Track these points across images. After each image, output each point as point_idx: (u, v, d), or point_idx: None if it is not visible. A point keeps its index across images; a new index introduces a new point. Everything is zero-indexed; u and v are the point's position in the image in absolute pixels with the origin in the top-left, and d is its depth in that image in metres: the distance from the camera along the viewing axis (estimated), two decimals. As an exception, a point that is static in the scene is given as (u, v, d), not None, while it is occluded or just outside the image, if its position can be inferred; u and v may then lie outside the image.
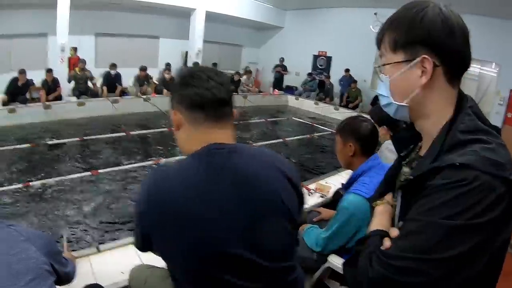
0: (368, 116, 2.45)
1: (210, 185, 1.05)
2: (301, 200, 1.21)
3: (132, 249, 2.34)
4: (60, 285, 1.35)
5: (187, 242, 1.03)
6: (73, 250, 2.36)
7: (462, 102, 0.86)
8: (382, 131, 2.88)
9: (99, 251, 2.30)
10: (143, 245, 1.15)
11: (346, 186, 2.07)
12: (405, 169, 1.00)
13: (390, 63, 0.90)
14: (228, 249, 1.03)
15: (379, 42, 0.96)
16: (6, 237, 1.17)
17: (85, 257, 2.21)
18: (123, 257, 2.26)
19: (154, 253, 1.16)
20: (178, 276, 1.14)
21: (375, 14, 11.93)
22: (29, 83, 8.47)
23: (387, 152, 2.74)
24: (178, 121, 1.16)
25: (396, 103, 0.91)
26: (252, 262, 1.05)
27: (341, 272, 1.84)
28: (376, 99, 11.08)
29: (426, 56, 0.82)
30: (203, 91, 1.10)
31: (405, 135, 1.03)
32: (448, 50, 0.83)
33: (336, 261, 1.84)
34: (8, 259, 1.11)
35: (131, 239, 2.42)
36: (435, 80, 0.84)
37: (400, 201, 0.94)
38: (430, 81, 0.84)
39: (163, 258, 1.12)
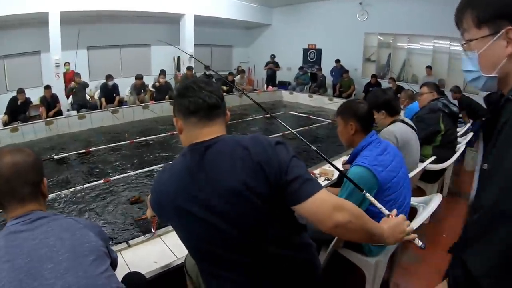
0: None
1: (188, 179, 1.33)
2: (276, 174, 1.29)
3: (160, 241, 2.54)
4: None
5: (179, 228, 1.42)
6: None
7: None
8: (381, 115, 3.07)
9: (129, 246, 2.48)
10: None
11: (350, 161, 2.29)
12: None
13: (477, 38, 0.98)
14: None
15: (458, 20, 1.04)
16: (67, 226, 1.32)
17: (117, 252, 2.37)
18: (153, 249, 2.44)
19: None
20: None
21: (360, 3, 12.18)
22: (27, 102, 8.60)
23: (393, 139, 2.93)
24: (179, 126, 1.42)
25: (486, 75, 1.01)
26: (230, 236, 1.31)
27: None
28: (368, 86, 11.26)
29: (511, 28, 0.92)
30: (196, 99, 1.36)
31: (494, 97, 1.22)
32: None
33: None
34: (72, 243, 1.27)
35: (157, 232, 2.62)
36: None
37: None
38: None
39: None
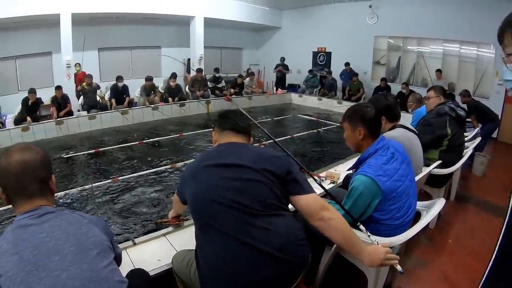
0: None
1: (215, 159, 1.79)
2: (279, 169, 1.73)
3: (165, 240, 2.57)
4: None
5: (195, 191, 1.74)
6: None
7: None
8: (381, 121, 3.08)
9: (134, 244, 2.51)
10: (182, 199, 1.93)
11: (355, 167, 2.30)
12: None
13: None
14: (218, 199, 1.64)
15: (500, 38, 1.22)
16: (73, 221, 1.37)
17: (122, 250, 2.40)
18: (158, 248, 2.47)
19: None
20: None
21: (370, 6, 12.16)
22: (38, 102, 8.72)
23: None
24: (216, 138, 2.03)
25: None
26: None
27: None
28: (378, 89, 11.22)
29: None
30: (232, 121, 1.99)
31: None
32: None
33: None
34: (78, 238, 1.31)
35: (162, 231, 2.66)
36: None
37: None
38: None
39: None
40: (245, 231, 1.58)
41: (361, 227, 1.89)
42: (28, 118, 8.18)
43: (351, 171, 2.50)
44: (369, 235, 1.84)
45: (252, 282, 1.56)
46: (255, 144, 2.26)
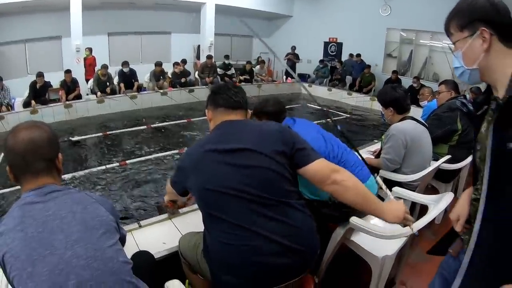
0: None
1: (216, 143, 1.66)
2: (287, 145, 1.65)
3: (171, 223, 2.58)
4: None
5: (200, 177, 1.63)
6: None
7: None
8: (389, 112, 3.11)
9: (140, 226, 2.52)
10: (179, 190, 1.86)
11: None
12: (484, 123, 1.30)
13: (459, 39, 1.25)
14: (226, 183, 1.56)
15: (447, 29, 1.33)
16: (80, 199, 1.36)
17: (128, 232, 2.40)
18: (163, 231, 2.48)
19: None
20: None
21: (384, -2, 12.01)
22: (47, 85, 8.75)
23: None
24: (210, 116, 1.86)
25: (469, 68, 1.24)
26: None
27: (362, 231, 2.03)
28: (389, 82, 11.10)
29: (484, 28, 1.16)
30: (225, 96, 1.80)
31: (481, 99, 1.36)
32: (498, 22, 1.16)
33: (356, 221, 1.96)
34: (84, 217, 1.31)
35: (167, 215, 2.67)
36: (493, 45, 1.17)
37: (492, 136, 1.18)
38: (489, 46, 1.17)
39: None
40: (256, 221, 1.52)
41: (378, 178, 1.91)
42: (33, 102, 8.17)
43: None
44: (386, 188, 1.83)
45: (262, 271, 1.53)
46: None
